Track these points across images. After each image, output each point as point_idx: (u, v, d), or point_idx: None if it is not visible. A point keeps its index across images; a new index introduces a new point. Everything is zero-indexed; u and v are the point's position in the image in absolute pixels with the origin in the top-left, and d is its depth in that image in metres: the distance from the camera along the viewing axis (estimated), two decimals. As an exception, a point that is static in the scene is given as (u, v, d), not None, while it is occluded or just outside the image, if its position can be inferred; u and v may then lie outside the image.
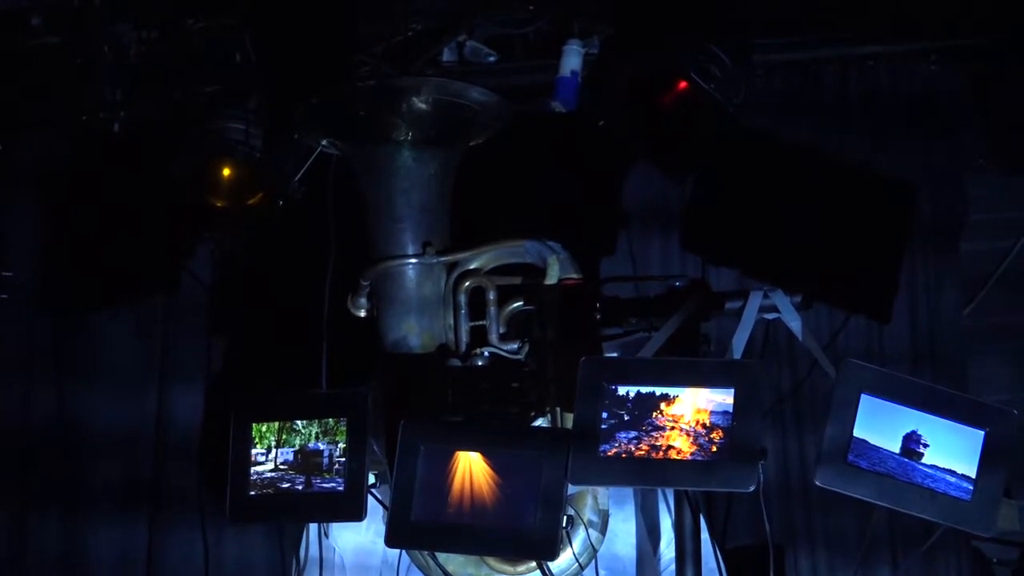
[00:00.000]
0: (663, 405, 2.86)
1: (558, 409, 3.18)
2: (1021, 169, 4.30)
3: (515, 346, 3.26)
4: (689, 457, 2.82)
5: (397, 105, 3.31)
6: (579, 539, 3.17)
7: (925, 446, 2.76)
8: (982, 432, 2.77)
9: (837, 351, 4.20)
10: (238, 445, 3.01)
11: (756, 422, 2.83)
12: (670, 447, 2.83)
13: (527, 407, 3.22)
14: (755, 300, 3.23)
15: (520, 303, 3.31)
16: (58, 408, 4.65)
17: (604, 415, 2.86)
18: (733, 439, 2.81)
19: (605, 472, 2.88)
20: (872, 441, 2.79)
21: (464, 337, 3.30)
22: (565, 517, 2.91)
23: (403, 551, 3.27)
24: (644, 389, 2.88)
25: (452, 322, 3.32)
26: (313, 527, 3.48)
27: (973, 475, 2.76)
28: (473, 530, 2.89)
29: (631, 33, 4.15)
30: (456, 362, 3.26)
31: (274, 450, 3.01)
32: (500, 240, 3.38)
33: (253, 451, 3.01)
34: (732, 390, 2.83)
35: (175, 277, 4.64)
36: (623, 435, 2.86)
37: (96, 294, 4.63)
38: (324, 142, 3.50)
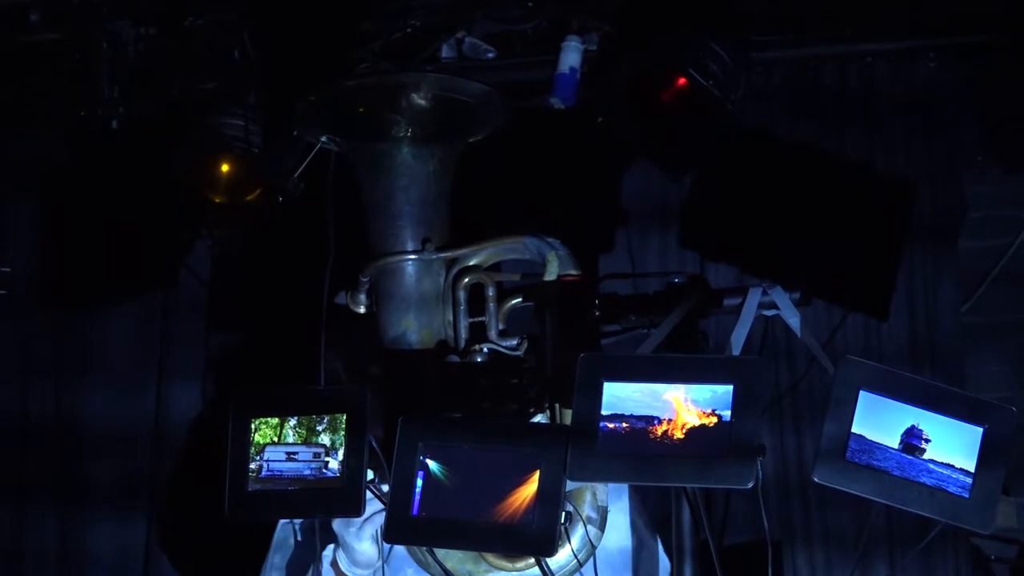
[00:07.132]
0: (662, 402, 2.85)
1: (557, 405, 3.18)
2: (1020, 166, 4.31)
3: (514, 342, 3.25)
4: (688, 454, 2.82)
5: (396, 101, 3.30)
6: (578, 535, 3.16)
7: (927, 441, 2.75)
8: (980, 429, 2.76)
9: (835, 348, 4.21)
10: (236, 441, 3.00)
11: (755, 419, 2.82)
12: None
13: (526, 403, 3.20)
14: (754, 296, 3.21)
15: (519, 299, 3.30)
16: (56, 404, 4.66)
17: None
18: (732, 436, 2.80)
19: (603, 468, 2.87)
20: (871, 437, 2.78)
21: (463, 333, 3.29)
22: (563, 513, 2.91)
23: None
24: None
25: (451, 318, 3.31)
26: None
27: (972, 472, 2.75)
28: (472, 526, 2.88)
29: (630, 29, 4.15)
30: (455, 358, 3.25)
31: (273, 446, 3.00)
32: (499, 236, 3.36)
33: (251, 447, 3.00)
34: (731, 387, 2.83)
35: (173, 274, 4.64)
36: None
37: (94, 290, 4.63)
38: (323, 138, 3.48)
